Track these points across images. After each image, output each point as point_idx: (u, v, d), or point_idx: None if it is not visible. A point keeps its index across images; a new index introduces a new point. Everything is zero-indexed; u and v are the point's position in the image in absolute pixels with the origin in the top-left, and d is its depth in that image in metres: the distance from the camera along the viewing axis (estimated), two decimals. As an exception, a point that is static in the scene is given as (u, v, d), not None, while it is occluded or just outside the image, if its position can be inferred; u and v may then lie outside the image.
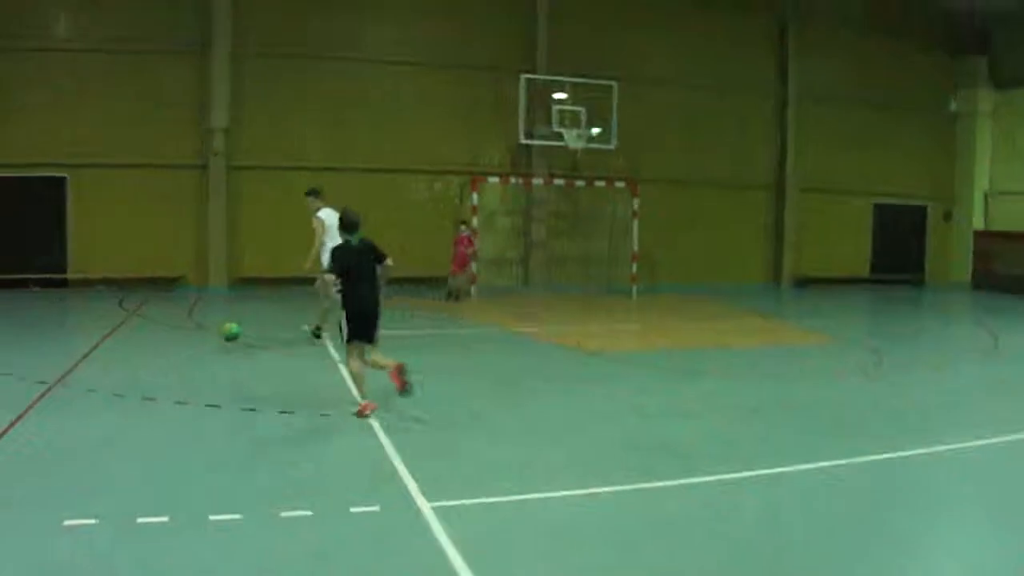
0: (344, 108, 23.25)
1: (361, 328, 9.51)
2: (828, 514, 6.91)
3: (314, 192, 15.10)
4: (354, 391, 9.88)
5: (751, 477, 7.71)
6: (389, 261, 9.93)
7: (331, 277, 9.69)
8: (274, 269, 22.27)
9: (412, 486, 7.14)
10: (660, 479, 7.56)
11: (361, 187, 22.61)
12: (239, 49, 22.46)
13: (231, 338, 13.75)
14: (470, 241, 21.51)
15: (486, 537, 6.21)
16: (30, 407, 9.71)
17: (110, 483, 7.25)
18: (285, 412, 9.64)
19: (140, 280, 21.80)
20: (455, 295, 21.16)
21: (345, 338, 9.60)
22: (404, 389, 9.32)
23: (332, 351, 13.48)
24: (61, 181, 21.98)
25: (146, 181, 22.12)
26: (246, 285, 22.54)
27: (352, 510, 6.61)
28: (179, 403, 10.03)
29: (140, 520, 6.30)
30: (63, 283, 21.93)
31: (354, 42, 23.50)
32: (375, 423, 9.22)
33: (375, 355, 9.57)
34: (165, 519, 6.35)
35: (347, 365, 10.13)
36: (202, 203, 22.43)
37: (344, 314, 9.56)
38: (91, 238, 21.94)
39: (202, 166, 22.42)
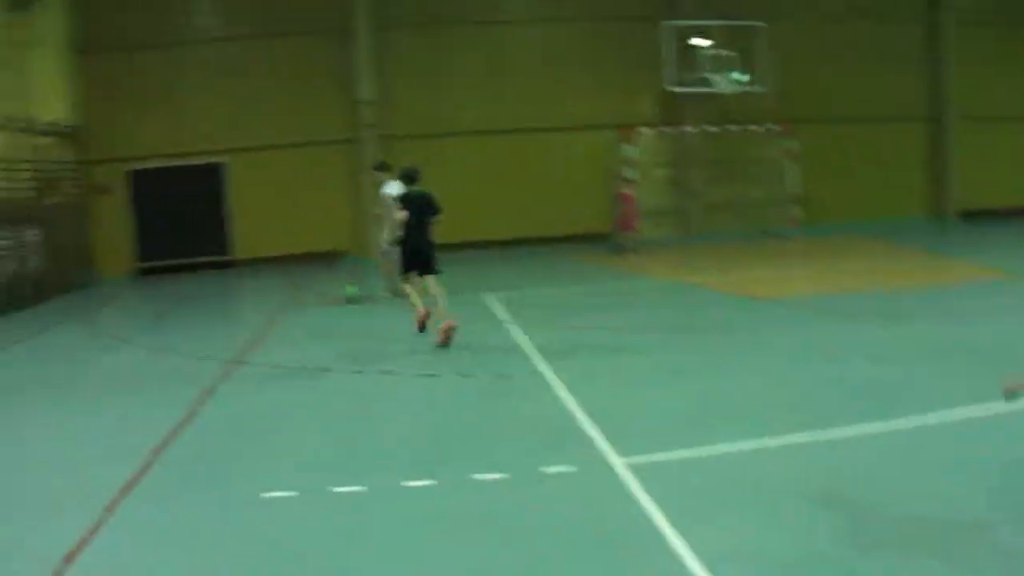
0: (490, 71, 23.31)
1: (414, 262, 11.65)
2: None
3: (381, 166, 15.65)
4: (417, 307, 11.47)
5: (959, 421, 7.21)
6: (441, 216, 12.17)
7: (402, 215, 11.89)
8: (435, 235, 22.53)
9: (603, 443, 7.03)
10: (862, 423, 7.21)
11: (512, 148, 22.82)
12: (382, 22, 22.75)
13: (351, 299, 14.69)
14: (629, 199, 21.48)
15: (686, 493, 6.00)
16: (216, 385, 10.09)
17: (302, 454, 7.43)
18: (464, 375, 9.72)
19: (302, 256, 22.42)
20: (622, 250, 21.08)
21: (403, 269, 11.71)
22: (443, 343, 10.93)
23: (497, 312, 13.58)
24: (220, 167, 22.78)
25: (300, 159, 22.72)
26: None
27: (545, 470, 6.53)
28: (356, 372, 10.27)
29: (336, 490, 6.41)
30: (228, 264, 22.78)
31: (494, 4, 23.50)
32: (555, 379, 9.18)
33: (433, 285, 11.55)
34: (361, 488, 6.43)
35: (404, 289, 12.01)
36: (357, 175, 22.85)
37: (402, 249, 11.70)
38: (252, 219, 22.72)
39: (353, 140, 22.84)
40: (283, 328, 14.05)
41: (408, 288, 11.80)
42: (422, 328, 11.45)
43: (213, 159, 22.81)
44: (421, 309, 11.48)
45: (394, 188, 13.85)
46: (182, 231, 22.74)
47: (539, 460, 6.74)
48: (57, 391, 10.58)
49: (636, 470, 6.36)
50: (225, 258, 22.87)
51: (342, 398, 9.39)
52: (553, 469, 6.55)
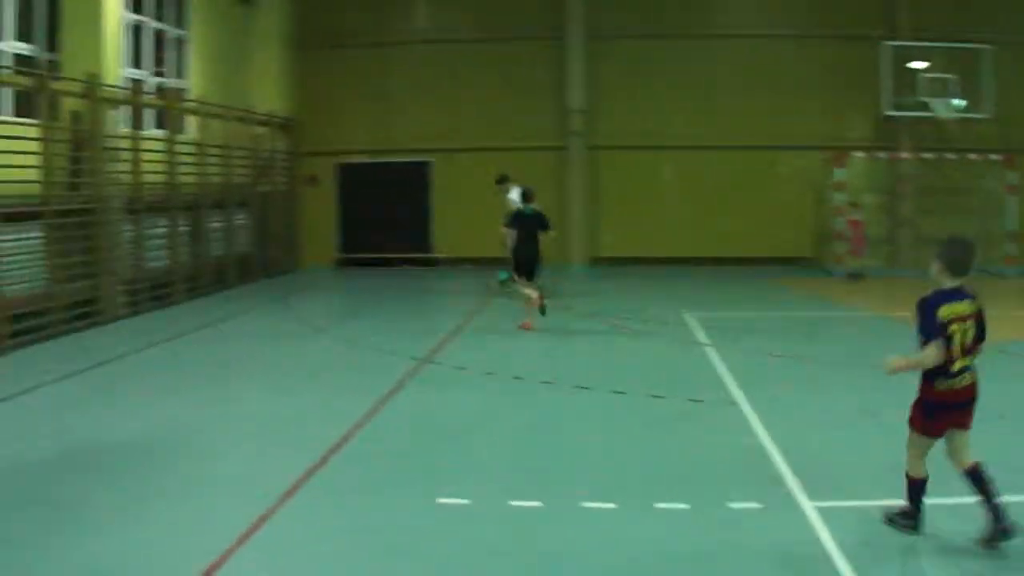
0: (701, 85, 22.70)
1: (524, 269, 13.88)
2: None
3: (504, 179, 17.57)
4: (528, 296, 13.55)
5: None
6: (552, 233, 14.32)
7: (511, 232, 14.16)
8: (633, 249, 22.35)
9: (792, 482, 6.57)
10: None
11: (721, 165, 22.27)
12: (595, 30, 22.60)
13: (503, 282, 16.34)
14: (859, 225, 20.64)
15: (877, 545, 5.47)
16: (403, 382, 10.13)
17: (482, 463, 7.31)
18: (655, 396, 9.37)
19: (500, 260, 22.45)
20: (856, 277, 20.22)
21: (515, 275, 14.06)
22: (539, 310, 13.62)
23: (695, 332, 13.18)
24: (426, 165, 23.16)
25: (506, 164, 22.72)
26: (605, 264, 22.69)
27: (731, 505, 6.18)
28: (547, 383, 10.05)
29: (513, 503, 6.25)
30: (428, 262, 23.10)
31: (708, 17, 22.89)
32: (748, 408, 8.74)
33: (529, 288, 13.76)
34: (538, 504, 6.24)
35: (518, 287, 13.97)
36: (561, 183, 22.78)
37: (514, 256, 13.99)
38: (454, 219, 22.94)
39: (562, 148, 22.79)
40: (475, 331, 14.05)
41: (520, 283, 14.07)
42: (543, 311, 13.66)
43: (419, 157, 23.18)
44: (535, 296, 13.65)
45: (516, 195, 16.09)
46: (384, 226, 23.22)
47: (724, 493, 6.39)
48: (250, 373, 11.01)
49: (825, 515, 5.91)
50: (425, 255, 23.21)
51: (528, 408, 9.24)
52: (738, 504, 6.18)
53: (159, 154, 16.73)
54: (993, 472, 5.36)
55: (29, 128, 13.34)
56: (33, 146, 13.17)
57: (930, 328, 5.36)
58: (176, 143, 17.08)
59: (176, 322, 14.73)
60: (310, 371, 11.08)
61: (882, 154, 22.61)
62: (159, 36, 18.26)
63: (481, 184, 22.74)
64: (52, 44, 14.89)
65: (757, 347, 12.01)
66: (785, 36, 22.68)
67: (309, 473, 6.89)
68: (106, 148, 14.75)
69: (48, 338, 12.85)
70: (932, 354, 5.32)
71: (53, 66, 14.56)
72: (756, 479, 6.77)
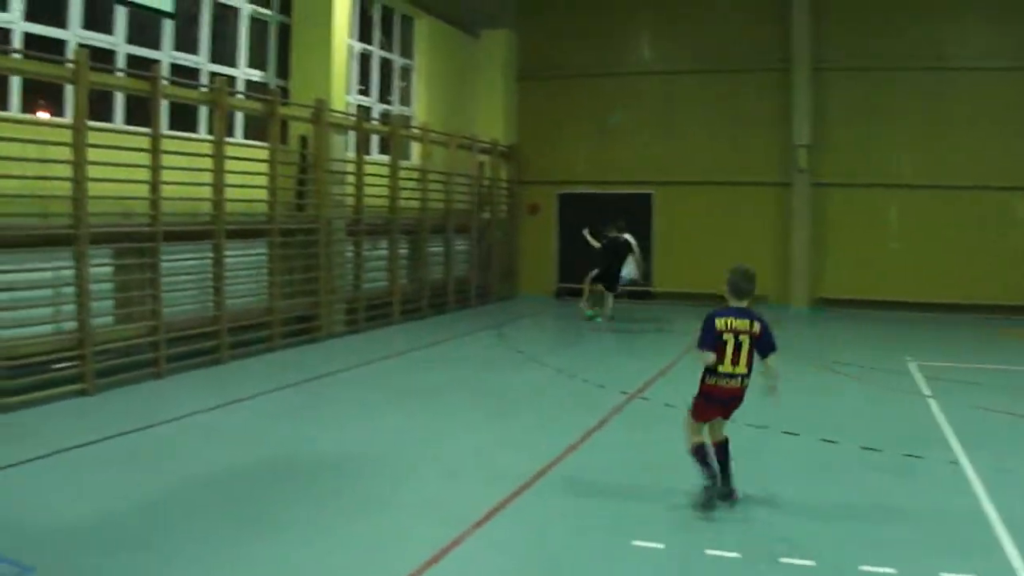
0: (932, 121, 21.11)
1: (602, 280, 18.35)
2: None
3: (620, 227, 18.99)
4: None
5: None
6: (637, 253, 18.66)
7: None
8: (857, 291, 21.16)
9: (1013, 553, 5.88)
10: None
11: (952, 205, 20.66)
12: (821, 63, 21.62)
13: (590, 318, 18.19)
14: None
15: None
16: (609, 417, 9.93)
17: (681, 506, 6.88)
18: (868, 448, 8.67)
19: (720, 297, 21.81)
20: None
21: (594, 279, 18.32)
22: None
23: (918, 383, 12.22)
24: (646, 198, 22.84)
25: (728, 198, 22.16)
26: (828, 306, 21.62)
27: (942, 574, 5.54)
28: (756, 427, 9.40)
29: (708, 552, 5.91)
30: (645, 295, 22.67)
31: (941, 49, 21.27)
32: (971, 470, 7.90)
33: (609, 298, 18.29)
34: (735, 555, 5.87)
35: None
36: (784, 221, 21.91)
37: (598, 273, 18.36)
38: (673, 253, 22.47)
39: (785, 184, 21.91)
40: (687, 367, 13.56)
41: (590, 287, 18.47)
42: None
43: (640, 189, 22.89)
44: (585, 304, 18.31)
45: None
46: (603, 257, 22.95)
47: (937, 561, 5.77)
48: (456, 399, 10.98)
49: None
50: (644, 288, 22.79)
51: (736, 452, 8.66)
52: (950, 575, 5.55)
53: (382, 179, 17.16)
54: None
55: (259, 151, 13.96)
56: (262, 167, 13.76)
57: (707, 336, 6.67)
58: (399, 168, 17.48)
59: (391, 343, 15.01)
60: (517, 400, 10.96)
61: None
62: (386, 65, 18.84)
63: (702, 218, 22.29)
64: (283, 71, 15.60)
65: (984, 403, 10.89)
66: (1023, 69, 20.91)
67: (503, 503, 6.80)
68: (331, 171, 15.25)
69: (266, 351, 13.33)
70: (708, 358, 6.64)
71: (283, 92, 15.21)
72: (972, 547, 6.09)
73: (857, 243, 21.37)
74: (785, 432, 9.30)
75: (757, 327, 6.69)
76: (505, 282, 22.58)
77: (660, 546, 6.01)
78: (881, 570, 5.62)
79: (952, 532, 6.42)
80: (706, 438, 6.88)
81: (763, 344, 6.72)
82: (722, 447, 6.90)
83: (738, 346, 6.63)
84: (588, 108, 23.13)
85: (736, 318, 6.69)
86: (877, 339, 16.83)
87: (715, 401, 6.78)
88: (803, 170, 21.55)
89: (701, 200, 22.27)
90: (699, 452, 6.78)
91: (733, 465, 6.92)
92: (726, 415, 6.91)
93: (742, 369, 6.68)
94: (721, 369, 6.65)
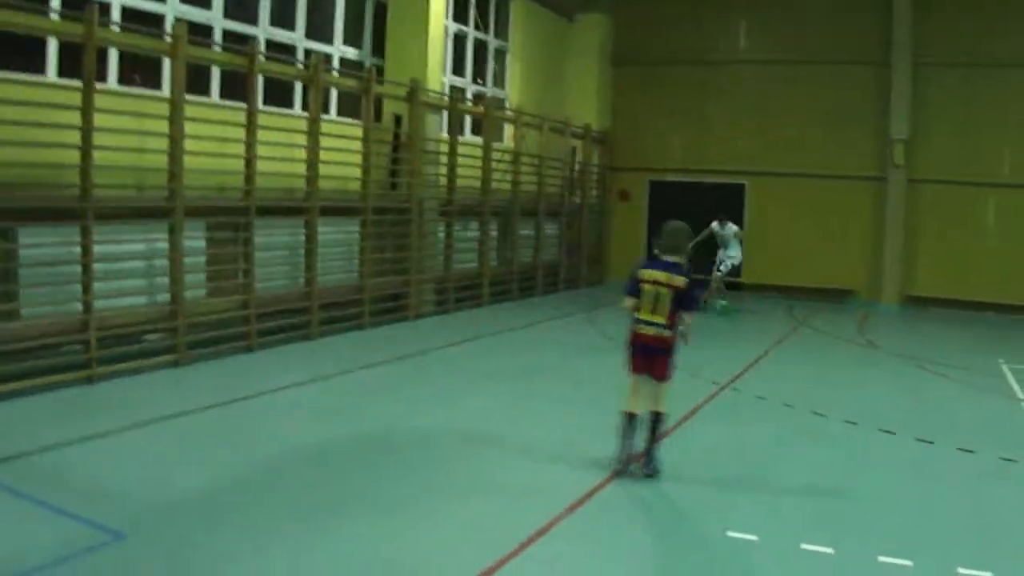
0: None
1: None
2: None
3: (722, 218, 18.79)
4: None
5: None
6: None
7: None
8: (949, 290, 20.47)
9: None
10: None
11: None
12: (922, 58, 20.91)
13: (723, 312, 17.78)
14: None
15: None
16: (701, 405, 9.79)
17: (775, 498, 6.83)
18: (963, 450, 8.35)
19: (810, 290, 21.37)
20: None
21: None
22: None
23: (1014, 386, 11.73)
24: (739, 188, 22.40)
25: (822, 192, 21.63)
26: (919, 304, 20.98)
27: None
28: (849, 422, 9.25)
29: (804, 546, 5.77)
30: (737, 287, 22.23)
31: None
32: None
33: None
34: (830, 550, 5.73)
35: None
36: (879, 217, 21.30)
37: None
38: (763, 245, 21.97)
39: (881, 179, 21.29)
40: (777, 360, 13.29)
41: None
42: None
43: (732, 179, 22.47)
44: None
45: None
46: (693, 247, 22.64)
47: None
48: (545, 382, 10.99)
49: None
50: (734, 279, 22.37)
51: (826, 445, 8.54)
52: None
53: (474, 160, 17.06)
54: None
55: (353, 128, 13.95)
56: (356, 145, 13.75)
57: (630, 284, 7.10)
58: (492, 150, 17.36)
59: (479, 324, 14.93)
60: (607, 386, 10.72)
61: None
62: (481, 46, 18.73)
63: (794, 210, 21.78)
64: (378, 49, 15.59)
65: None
66: None
67: (596, 489, 6.73)
68: (424, 151, 15.20)
69: (355, 329, 13.33)
70: (627, 302, 7.11)
71: (378, 71, 15.18)
72: None
73: (951, 241, 20.68)
74: (881, 430, 9.03)
75: (679, 281, 6.90)
76: (593, 267, 22.37)
77: (755, 538, 5.88)
78: (980, 573, 5.46)
79: None
80: (637, 408, 7.04)
81: (684, 299, 6.92)
82: (653, 420, 7.01)
83: (656, 296, 6.90)
84: (682, 95, 22.75)
85: (658, 270, 6.96)
86: (971, 340, 16.28)
87: (637, 349, 7.05)
88: (899, 165, 20.91)
89: (794, 192, 21.77)
90: (624, 420, 7.05)
91: (660, 448, 7.06)
92: (652, 371, 7.03)
93: (658, 319, 6.92)
94: (640, 316, 6.98)
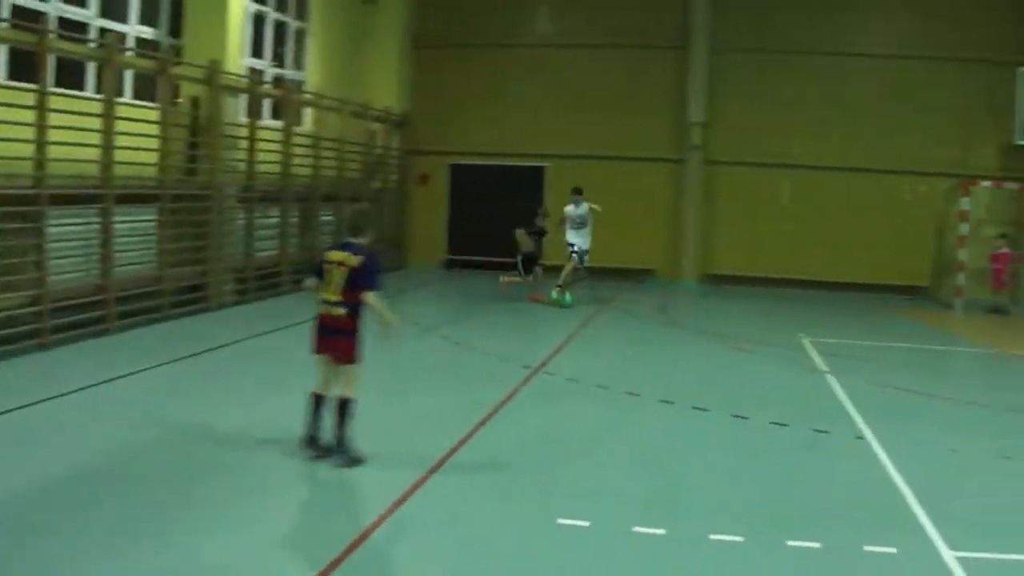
0: (825, 104, 21.81)
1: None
2: None
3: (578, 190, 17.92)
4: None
5: None
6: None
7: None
8: (747, 268, 21.65)
9: (930, 528, 6.07)
10: None
11: (842, 187, 21.45)
12: (719, 42, 21.95)
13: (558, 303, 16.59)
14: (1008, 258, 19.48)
15: None
16: (516, 390, 9.83)
17: (601, 483, 6.95)
18: (777, 423, 8.84)
19: (612, 271, 22.05)
20: (999, 311, 19.15)
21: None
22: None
23: (814, 359, 12.56)
24: (539, 171, 22.82)
25: (622, 174, 22.31)
26: (718, 281, 22.07)
27: (866, 548, 5.69)
28: (664, 402, 9.61)
29: (636, 529, 5.89)
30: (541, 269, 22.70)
31: (835, 36, 21.93)
32: (877, 444, 8.16)
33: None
34: (662, 531, 5.88)
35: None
36: (677, 198, 22.22)
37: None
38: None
39: (679, 160, 22.22)
40: (585, 341, 13.66)
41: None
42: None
43: (533, 162, 22.86)
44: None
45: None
46: (494, 229, 22.90)
47: (857, 534, 5.91)
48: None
49: (967, 566, 5.41)
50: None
51: (645, 427, 8.83)
52: (873, 548, 5.69)
53: (274, 144, 16.69)
54: None
55: (149, 112, 13.39)
56: (152, 130, 13.21)
57: (313, 265, 7.31)
58: (292, 134, 17.02)
59: (282, 313, 14.58)
60: (418, 373, 10.77)
61: (1010, 185, 21.39)
62: (280, 27, 18.29)
63: (595, 191, 22.32)
64: (176, 30, 14.97)
65: (879, 378, 11.34)
66: (916, 58, 21.61)
67: (417, 485, 6.60)
68: (223, 135, 14.74)
69: (154, 321, 12.84)
70: (307, 283, 7.37)
71: (176, 51, 14.61)
72: (890, 521, 6.29)
73: (748, 221, 21.87)
74: (696, 408, 9.39)
75: (355, 261, 6.93)
76: (394, 253, 22.29)
77: (586, 524, 5.95)
78: (808, 544, 5.73)
79: (868, 505, 6.61)
80: (324, 390, 7.11)
81: (359, 278, 6.91)
82: (338, 408, 7.01)
83: (332, 276, 6.97)
84: (484, 79, 22.95)
85: (338, 251, 7.09)
86: (770, 316, 17.27)
87: (319, 328, 7.10)
88: (696, 147, 21.88)
89: (595, 174, 22.24)
90: (311, 400, 7.13)
91: (348, 432, 6.99)
92: (332, 354, 7.07)
93: (333, 296, 6.96)
94: (323, 295, 7.05)
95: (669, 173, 22.27)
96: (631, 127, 22.33)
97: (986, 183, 20.89)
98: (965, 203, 20.23)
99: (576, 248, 17.25)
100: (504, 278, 17.88)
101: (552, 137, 22.52)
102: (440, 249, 23.34)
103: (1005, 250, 19.39)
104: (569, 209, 17.44)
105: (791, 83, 21.83)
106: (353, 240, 7.10)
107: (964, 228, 20.13)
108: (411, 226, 23.28)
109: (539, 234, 18.05)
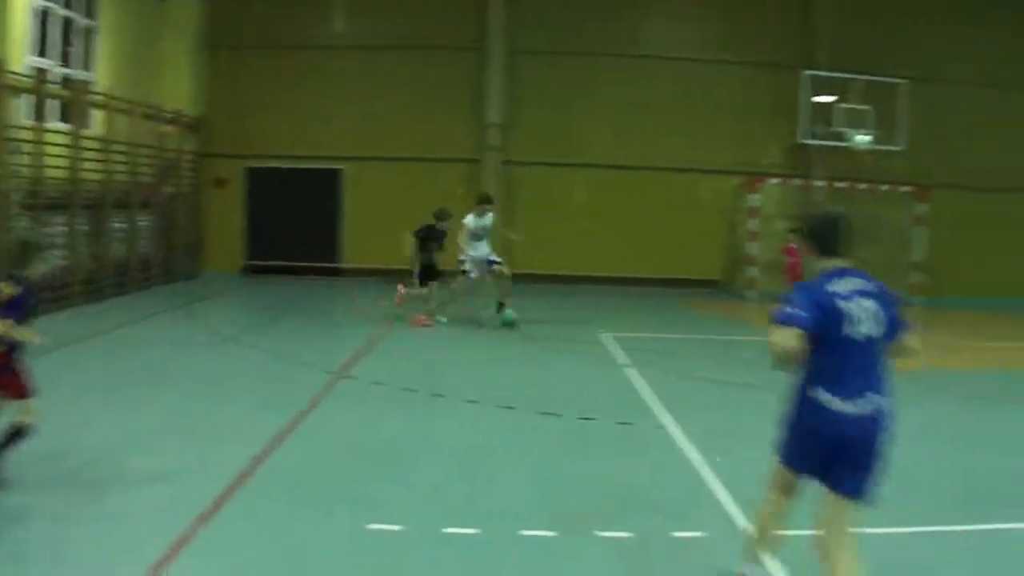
0: (619, 105, 22.74)
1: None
2: None
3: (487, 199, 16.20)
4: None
5: None
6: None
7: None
8: (546, 266, 22.19)
9: (733, 509, 6.44)
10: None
11: (637, 185, 22.42)
12: (516, 44, 22.45)
13: (508, 324, 14.85)
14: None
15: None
16: (320, 397, 9.73)
17: (411, 486, 6.95)
18: (583, 418, 9.14)
19: (410, 273, 22.07)
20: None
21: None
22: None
23: (614, 354, 13.02)
24: (337, 173, 22.68)
25: (420, 175, 22.44)
26: (517, 281, 22.42)
27: (674, 534, 5.98)
28: (471, 402, 9.76)
29: (446, 530, 5.93)
30: (335, 271, 22.58)
31: (629, 38, 22.96)
32: (679, 432, 8.59)
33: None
34: (472, 531, 5.94)
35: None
36: (474, 198, 22.49)
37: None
38: (363, 229, 22.51)
39: (477, 161, 22.55)
40: (390, 345, 13.66)
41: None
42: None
43: (331, 164, 22.69)
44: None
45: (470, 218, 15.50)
46: (292, 233, 22.65)
47: (667, 521, 6.21)
48: (153, 385, 10.26)
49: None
50: (332, 265, 22.68)
51: (454, 428, 8.90)
52: (682, 533, 5.99)
53: (62, 148, 15.90)
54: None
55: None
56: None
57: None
58: (80, 137, 16.27)
59: (73, 327, 13.91)
60: (219, 383, 10.51)
61: (796, 181, 22.92)
62: (68, 24, 17.43)
63: (393, 194, 22.40)
64: (-47, 26, 14.08)
65: (678, 369, 11.99)
66: (706, 61, 22.91)
67: (224, 497, 6.38)
68: (6, 139, 13.96)
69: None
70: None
71: (-47, 49, 13.75)
72: (697, 506, 6.63)
73: (547, 220, 22.38)
74: (503, 406, 9.56)
75: (11, 291, 6.17)
76: (191, 260, 21.63)
77: (397, 528, 5.91)
78: (619, 535, 5.92)
79: (674, 493, 6.97)
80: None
81: (10, 309, 6.18)
82: (14, 430, 6.37)
83: None
84: (280, 80, 22.64)
85: None
86: (570, 313, 17.72)
87: None
88: (494, 148, 22.25)
89: (393, 176, 22.43)
90: None
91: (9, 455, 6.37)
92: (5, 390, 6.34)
93: None
94: None
95: (468, 174, 22.54)
96: (429, 129, 22.54)
97: (773, 180, 22.31)
98: (754, 199, 21.54)
99: (469, 269, 15.47)
100: (403, 289, 15.90)
101: (350, 139, 22.51)
102: (239, 255, 22.81)
103: (793, 244, 20.60)
104: (469, 219, 15.56)
105: (588, 85, 22.62)
106: (15, 271, 6.36)
107: (753, 224, 21.40)
108: (208, 232, 22.63)
109: (438, 240, 15.85)
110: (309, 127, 22.60)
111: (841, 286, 4.51)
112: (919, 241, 22.59)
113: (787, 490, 4.80)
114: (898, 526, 6.09)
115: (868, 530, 4.85)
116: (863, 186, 22.67)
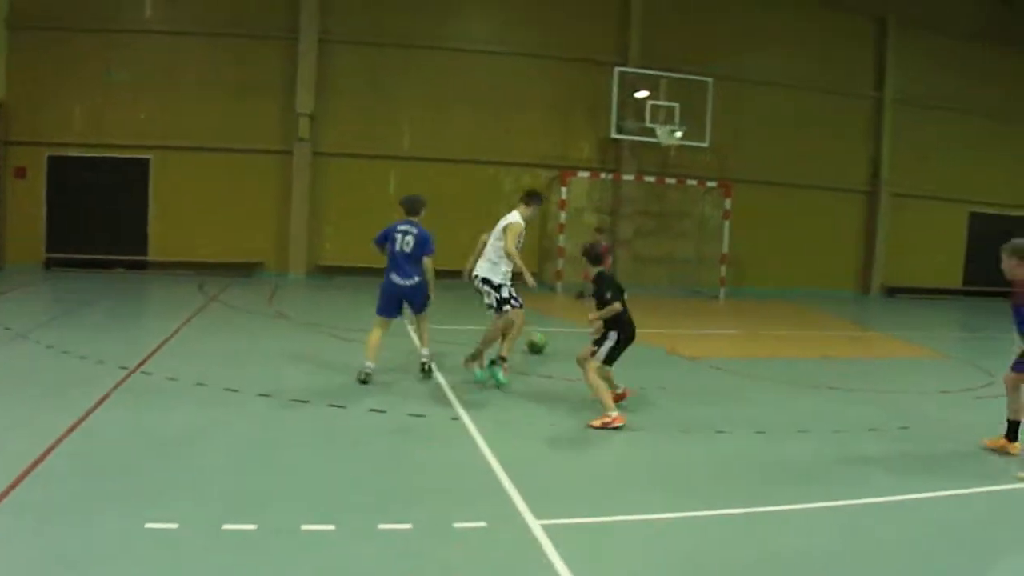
0: (432, 97, 22.98)
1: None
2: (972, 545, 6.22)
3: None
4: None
5: (879, 504, 7.00)
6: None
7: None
8: (354, 259, 22.15)
9: (519, 501, 6.59)
10: (780, 503, 6.90)
11: (449, 178, 22.58)
12: (327, 34, 22.34)
13: (537, 350, 13.11)
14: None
15: (603, 562, 5.62)
16: (109, 393, 9.48)
17: (194, 482, 6.84)
18: (375, 411, 9.21)
19: (219, 265, 21.77)
20: (582, 296, 20.70)
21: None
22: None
23: (415, 342, 13.14)
24: (144, 163, 22.09)
25: (230, 165, 22.15)
26: (325, 273, 22.41)
27: (456, 525, 6.09)
28: (263, 395, 9.67)
29: (225, 527, 5.88)
30: (144, 265, 22.02)
31: (445, 32, 23.20)
32: (471, 424, 8.75)
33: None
34: (251, 527, 5.90)
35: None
36: (285, 190, 22.32)
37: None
38: (172, 221, 22.04)
39: (287, 152, 22.33)
40: (188, 339, 13.39)
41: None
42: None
43: (138, 154, 22.06)
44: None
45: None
46: (98, 225, 21.92)
47: (449, 513, 6.29)
48: None
49: (552, 532, 5.96)
50: (139, 258, 22.07)
51: (243, 422, 8.75)
52: (463, 524, 6.10)
53: None
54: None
55: None
56: None
57: None
58: None
59: None
60: (4, 380, 10.10)
61: (606, 175, 23.63)
62: None
63: (203, 184, 21.98)
64: None
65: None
66: (518, 55, 23.38)
67: (1, 495, 6.19)
68: None
69: None
70: None
71: None
72: (480, 497, 6.72)
73: (357, 212, 22.45)
74: (295, 400, 9.54)
75: None
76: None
77: (174, 526, 5.84)
78: (399, 527, 5.98)
79: (460, 483, 7.07)
80: None
81: None
82: None
83: None
84: (86, 66, 21.96)
85: None
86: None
87: None
88: (304, 139, 22.10)
89: (202, 166, 22.06)
90: None
91: None
92: None
93: None
94: None
95: (277, 165, 22.45)
96: (239, 118, 22.27)
97: (584, 173, 22.95)
98: (564, 192, 22.09)
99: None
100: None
101: (158, 129, 22.01)
102: (39, 247, 21.93)
103: (603, 240, 21.24)
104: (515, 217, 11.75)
105: (401, 76, 22.77)
106: None
107: (563, 216, 21.95)
108: (7, 223, 21.65)
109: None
110: (116, 115, 21.97)
111: None
112: (725, 235, 23.59)
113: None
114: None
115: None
116: (671, 181, 23.58)
